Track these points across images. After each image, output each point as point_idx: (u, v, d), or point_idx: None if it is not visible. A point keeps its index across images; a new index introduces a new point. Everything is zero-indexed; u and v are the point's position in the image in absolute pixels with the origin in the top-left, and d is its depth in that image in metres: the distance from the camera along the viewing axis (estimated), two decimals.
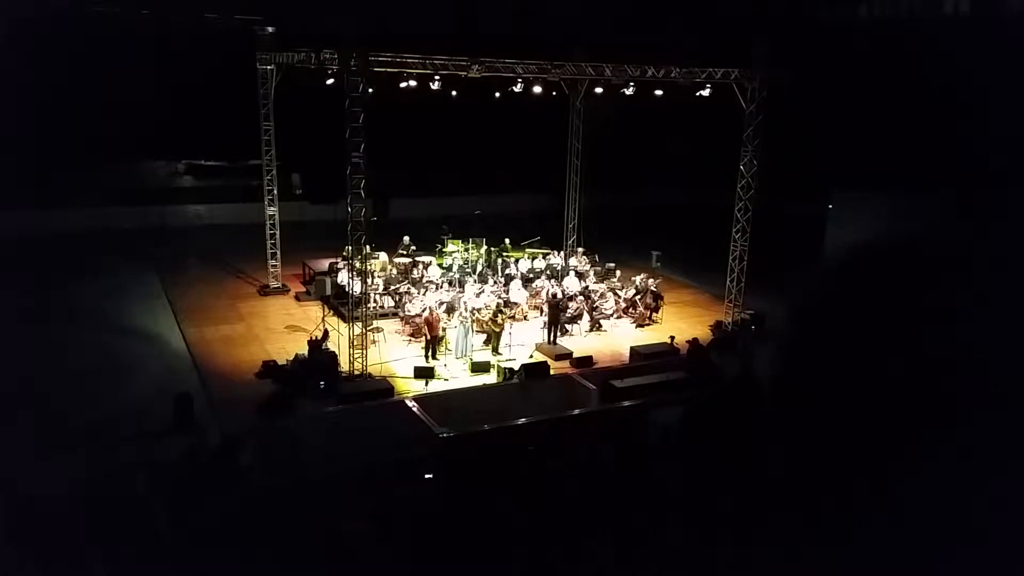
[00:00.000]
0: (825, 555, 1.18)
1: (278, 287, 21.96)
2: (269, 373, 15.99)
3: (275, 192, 21.39)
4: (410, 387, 15.92)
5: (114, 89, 26.22)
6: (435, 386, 16.00)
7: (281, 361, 16.38)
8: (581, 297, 19.99)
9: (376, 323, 17.83)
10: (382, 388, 15.37)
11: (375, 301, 19.10)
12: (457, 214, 28.18)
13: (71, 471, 11.51)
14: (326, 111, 17.37)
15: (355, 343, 16.21)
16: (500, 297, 19.04)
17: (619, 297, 20.57)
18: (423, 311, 17.84)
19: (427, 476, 11.33)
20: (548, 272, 21.71)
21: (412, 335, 18.39)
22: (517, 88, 18.58)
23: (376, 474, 11.08)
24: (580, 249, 23.34)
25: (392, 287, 20.17)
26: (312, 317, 19.54)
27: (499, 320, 17.79)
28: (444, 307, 18.45)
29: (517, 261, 22.64)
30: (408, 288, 19.98)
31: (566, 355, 17.50)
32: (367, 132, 15.66)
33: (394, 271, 21.11)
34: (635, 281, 21.01)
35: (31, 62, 24.02)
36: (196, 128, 29.78)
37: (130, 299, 20.87)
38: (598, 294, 20.40)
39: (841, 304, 1.16)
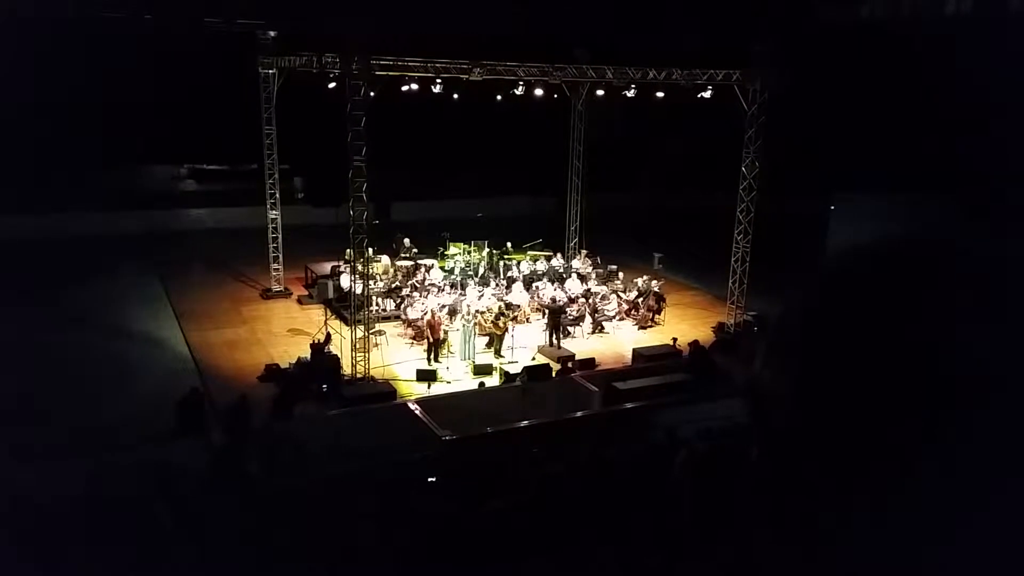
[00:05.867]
0: (827, 554, 1.18)
1: (280, 291, 21.99)
2: (272, 376, 16.01)
3: (277, 196, 21.42)
4: (412, 390, 15.92)
5: (116, 93, 26.29)
6: (437, 389, 16.01)
7: (284, 364, 16.40)
8: (583, 299, 19.99)
9: (378, 326, 17.85)
10: (384, 391, 15.38)
11: (377, 304, 19.12)
12: (459, 217, 28.24)
13: (75, 474, 11.52)
14: (328, 115, 17.38)
15: (357, 346, 16.23)
16: (501, 300, 19.05)
17: (621, 299, 20.56)
18: (425, 314, 17.86)
19: (430, 479, 11.32)
20: (550, 274, 21.70)
21: (414, 338, 18.41)
22: (518, 91, 18.61)
23: (379, 477, 11.07)
24: (582, 251, 23.36)
25: (395, 285, 20.19)
26: (314, 320, 19.58)
27: (501, 323, 17.80)
28: (446, 310, 18.46)
29: (519, 263, 22.64)
30: (410, 291, 19.99)
31: (568, 358, 17.47)
32: (369, 135, 15.68)
33: (399, 276, 21.09)
34: (637, 283, 21.02)
35: (34, 66, 24.09)
36: (198, 132, 29.87)
37: (133, 303, 20.91)
38: (600, 296, 20.40)
39: (843, 306, 1.16)
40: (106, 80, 25.53)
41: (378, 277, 20.21)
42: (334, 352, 16.59)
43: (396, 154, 26.47)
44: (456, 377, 16.69)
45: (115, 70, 25.18)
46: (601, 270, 22.91)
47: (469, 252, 22.77)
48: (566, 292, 20.16)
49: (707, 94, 19.29)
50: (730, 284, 20.11)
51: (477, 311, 18.20)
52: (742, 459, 10.41)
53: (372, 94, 15.61)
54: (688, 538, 10.18)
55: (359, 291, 16.77)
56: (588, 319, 19.62)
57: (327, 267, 21.94)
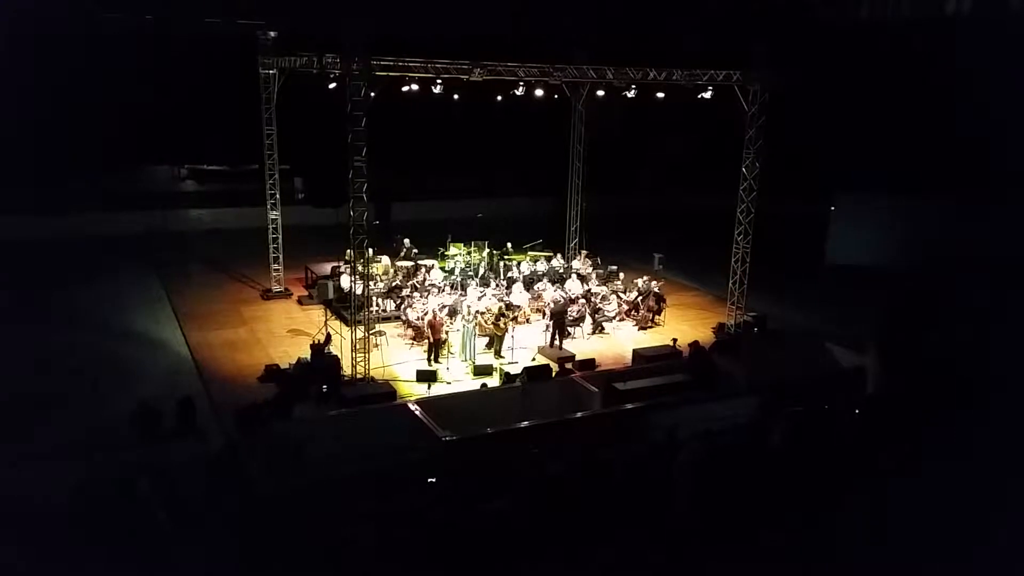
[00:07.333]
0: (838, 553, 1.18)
1: (280, 291, 21.98)
2: (271, 377, 16.00)
3: (277, 196, 21.41)
4: (412, 390, 15.91)
5: (117, 94, 26.32)
6: (437, 389, 15.99)
7: (284, 365, 16.39)
8: (583, 300, 19.98)
9: (378, 327, 17.84)
10: (384, 392, 15.36)
11: (377, 304, 19.12)
12: (459, 217, 28.25)
13: (73, 475, 11.50)
14: (328, 115, 17.39)
15: (357, 347, 16.22)
16: (502, 300, 19.04)
17: (621, 299, 20.55)
18: (425, 314, 17.84)
19: (430, 480, 11.31)
20: (550, 275, 21.69)
21: (414, 339, 18.40)
22: (519, 91, 18.60)
23: (379, 478, 11.06)
24: (583, 252, 23.35)
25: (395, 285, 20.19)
26: (315, 321, 19.57)
27: (501, 323, 17.79)
28: (446, 310, 18.45)
29: (519, 264, 22.63)
30: (411, 291, 19.98)
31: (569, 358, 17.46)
32: (369, 136, 15.67)
33: (399, 276, 21.08)
34: (637, 283, 21.01)
35: (34, 66, 24.11)
36: (198, 132, 29.88)
37: (132, 303, 20.91)
38: (600, 296, 20.39)
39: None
40: (106, 80, 25.54)
41: (378, 278, 20.20)
42: (334, 353, 16.58)
43: (397, 155, 26.48)
44: (456, 378, 16.68)
45: (115, 70, 25.19)
46: (601, 271, 22.90)
47: (469, 252, 22.76)
48: (566, 293, 20.14)
49: (707, 94, 19.29)
50: (730, 285, 20.11)
51: (477, 312, 18.19)
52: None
53: (372, 94, 15.60)
54: (689, 539, 10.17)
55: (359, 292, 16.77)
56: (588, 320, 19.61)
57: (327, 268, 21.94)
